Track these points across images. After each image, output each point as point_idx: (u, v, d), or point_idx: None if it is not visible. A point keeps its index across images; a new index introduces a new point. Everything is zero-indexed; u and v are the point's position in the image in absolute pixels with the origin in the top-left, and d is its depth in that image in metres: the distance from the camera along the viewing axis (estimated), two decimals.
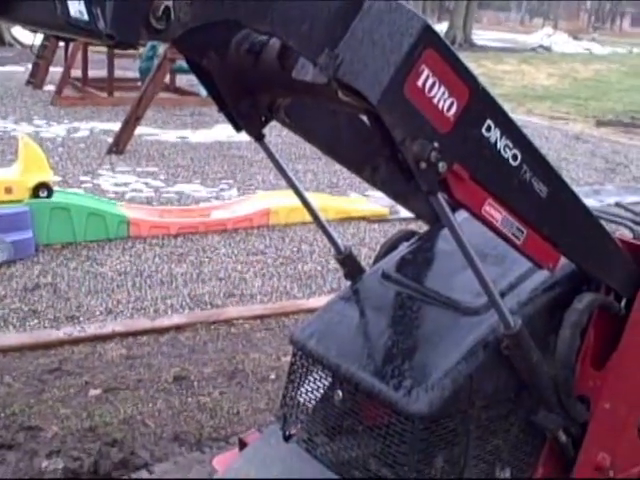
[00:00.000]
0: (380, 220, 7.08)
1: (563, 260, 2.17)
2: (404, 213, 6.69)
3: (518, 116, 14.15)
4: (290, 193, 2.50)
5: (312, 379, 2.35)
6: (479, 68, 22.13)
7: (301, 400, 2.38)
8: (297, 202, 2.51)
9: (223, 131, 10.78)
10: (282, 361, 4.25)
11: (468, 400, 2.11)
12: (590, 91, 19.35)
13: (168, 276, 5.45)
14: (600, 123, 14.70)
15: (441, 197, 1.79)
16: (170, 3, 1.32)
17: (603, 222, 2.29)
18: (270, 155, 2.34)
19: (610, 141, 12.67)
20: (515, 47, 32.07)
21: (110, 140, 9.48)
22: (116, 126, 9.91)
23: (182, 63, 12.04)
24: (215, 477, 2.37)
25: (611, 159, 11.11)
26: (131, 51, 13.87)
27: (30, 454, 3.21)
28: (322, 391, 2.32)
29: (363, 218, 7.08)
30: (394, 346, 2.21)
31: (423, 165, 1.68)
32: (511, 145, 1.83)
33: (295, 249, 6.23)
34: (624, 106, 17.12)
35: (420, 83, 1.63)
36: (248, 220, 6.69)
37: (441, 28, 35.68)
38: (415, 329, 2.27)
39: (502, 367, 2.14)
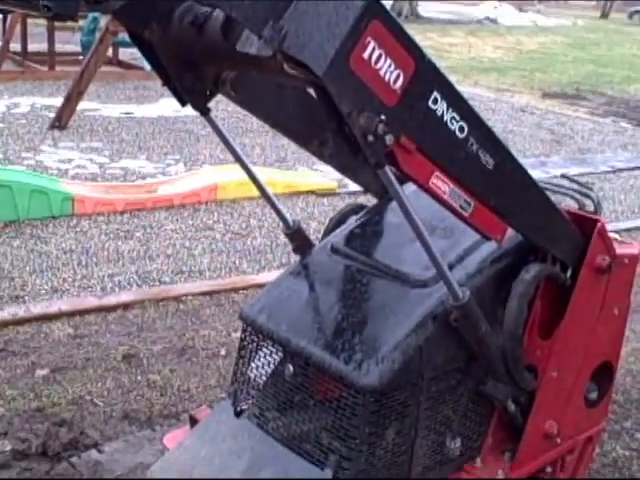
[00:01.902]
0: (329, 194, 7.06)
1: (510, 232, 2.19)
2: (353, 187, 6.69)
3: (465, 88, 14.22)
4: (238, 168, 2.48)
5: (262, 354, 2.35)
6: (426, 41, 22.12)
7: (252, 376, 2.37)
8: (245, 177, 2.49)
9: (168, 105, 10.62)
10: (232, 337, 4.23)
11: (418, 372, 2.13)
12: (535, 63, 19.51)
13: (115, 253, 5.37)
14: (546, 95, 14.84)
15: (389, 170, 1.79)
16: None
17: (549, 194, 2.32)
18: (216, 129, 2.31)
19: (555, 113, 12.80)
20: (462, 19, 32.09)
21: (52, 115, 9.26)
22: (58, 101, 9.68)
23: (125, 36, 11.83)
24: (166, 455, 2.35)
25: (557, 131, 11.23)
26: (72, 24, 13.62)
27: None
28: (273, 366, 2.31)
29: (311, 192, 7.06)
30: (344, 320, 2.21)
31: (370, 138, 1.67)
32: (458, 117, 1.83)
33: (244, 224, 6.18)
34: (569, 78, 17.31)
35: (366, 55, 1.62)
36: (195, 195, 6.61)
37: (386, 2, 35.61)
38: (364, 302, 2.27)
39: (451, 338, 2.16)
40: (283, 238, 5.85)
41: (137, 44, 2.00)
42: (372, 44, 1.62)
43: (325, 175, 7.36)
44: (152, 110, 10.42)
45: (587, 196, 2.59)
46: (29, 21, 13.03)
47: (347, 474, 2.08)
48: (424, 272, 2.22)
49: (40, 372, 3.74)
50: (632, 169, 9.09)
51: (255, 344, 2.37)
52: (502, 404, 2.31)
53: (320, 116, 2.14)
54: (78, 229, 5.77)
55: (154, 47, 1.95)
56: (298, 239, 2.54)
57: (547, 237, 2.26)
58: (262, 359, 2.35)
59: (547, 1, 45.62)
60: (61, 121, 9.03)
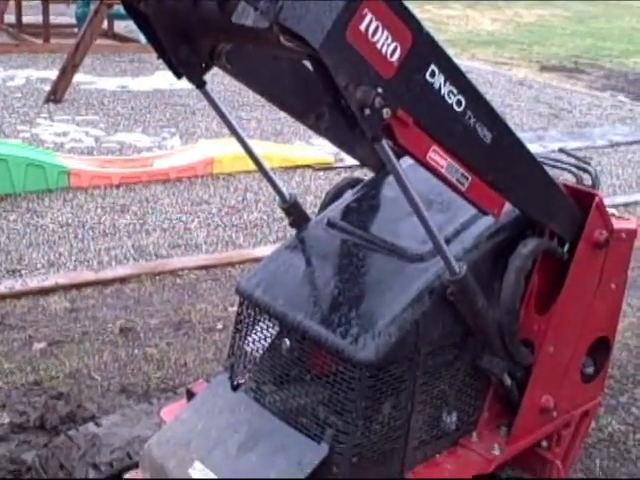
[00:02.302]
0: (325, 168, 7.04)
1: (508, 206, 2.18)
2: (349, 161, 6.65)
3: (462, 61, 14.14)
4: (234, 141, 2.46)
5: (259, 328, 2.34)
6: (423, 13, 21.93)
7: (248, 349, 2.37)
8: (241, 150, 2.47)
9: (164, 78, 10.55)
10: (229, 311, 4.24)
11: (414, 346, 2.12)
12: (534, 36, 19.39)
13: (111, 227, 5.36)
14: (544, 68, 14.77)
15: (386, 144, 1.77)
16: None
17: (547, 168, 2.31)
18: (212, 102, 2.29)
19: (553, 87, 12.73)
20: None
21: (47, 88, 9.21)
22: (53, 74, 9.61)
23: (120, 8, 11.73)
24: (163, 428, 2.35)
25: (554, 104, 11.18)
26: None
27: None
28: (269, 340, 2.31)
29: (308, 166, 7.03)
30: (340, 294, 2.20)
31: (367, 111, 1.65)
32: (455, 91, 1.81)
33: (240, 198, 6.17)
34: (567, 51, 17.22)
35: (363, 27, 1.60)
36: (191, 169, 6.59)
37: None
38: (361, 277, 2.26)
39: (447, 313, 2.16)
40: (279, 212, 5.83)
41: (132, 16, 1.98)
42: (369, 16, 1.60)
43: (322, 149, 7.32)
44: (147, 83, 10.36)
45: (585, 170, 2.57)
46: None
47: (343, 448, 2.08)
48: (421, 246, 2.21)
49: (37, 345, 3.75)
50: (630, 143, 9.06)
51: (252, 318, 2.37)
52: (498, 378, 2.31)
53: (316, 89, 2.13)
54: (74, 203, 5.76)
55: (149, 19, 1.93)
56: (294, 213, 2.52)
57: (545, 211, 2.25)
58: (259, 333, 2.35)
59: None
60: (56, 94, 8.98)
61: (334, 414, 2.12)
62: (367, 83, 1.64)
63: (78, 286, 4.45)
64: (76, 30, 13.26)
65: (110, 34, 13.51)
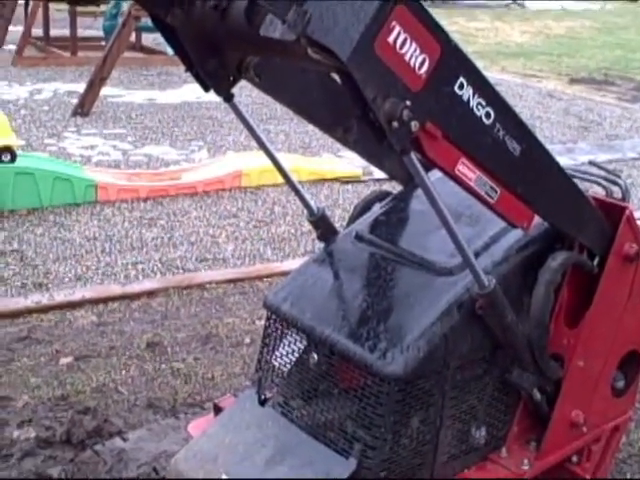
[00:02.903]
0: (353, 181, 7.03)
1: (537, 219, 2.16)
2: (378, 174, 6.65)
3: (491, 74, 14.10)
4: (262, 154, 2.46)
5: (287, 342, 2.33)
6: (452, 25, 21.95)
7: (276, 364, 2.36)
8: (269, 163, 2.48)
9: (192, 91, 10.61)
10: (257, 325, 4.23)
11: (443, 361, 2.10)
12: (563, 48, 19.31)
13: (138, 241, 5.38)
14: (573, 80, 14.69)
15: (414, 156, 1.76)
16: None
17: (577, 181, 2.28)
18: (240, 115, 2.29)
19: (583, 98, 12.66)
20: (488, 3, 31.76)
21: (75, 102, 9.29)
22: (81, 87, 9.71)
23: (148, 21, 11.82)
24: (190, 443, 2.35)
25: (584, 117, 11.11)
26: (94, 9, 13.62)
27: (1, 424, 3.16)
28: (297, 354, 2.30)
29: (336, 179, 7.02)
30: (368, 308, 2.19)
31: (395, 124, 1.64)
32: (484, 103, 1.80)
33: (268, 211, 6.17)
34: (597, 63, 17.12)
35: (391, 40, 1.59)
36: (219, 182, 6.61)
37: None
38: (389, 290, 2.25)
39: (477, 327, 2.13)
40: (307, 226, 5.82)
41: (160, 29, 1.99)
42: (397, 28, 1.59)
43: (350, 162, 7.31)
44: (175, 96, 10.42)
45: (615, 183, 2.54)
46: (51, 6, 13.04)
47: (371, 463, 2.06)
48: (450, 260, 2.20)
49: (64, 360, 3.76)
50: None
51: (279, 332, 2.36)
52: (528, 393, 2.28)
53: (344, 102, 2.12)
54: (101, 216, 5.79)
55: (177, 32, 1.94)
56: (322, 226, 2.51)
57: (574, 224, 2.22)
58: (286, 347, 2.33)
59: None
60: (84, 107, 9.05)
61: (362, 429, 2.10)
62: (395, 95, 1.63)
63: (105, 300, 4.46)
64: (103, 43, 13.37)
65: (138, 47, 13.62)
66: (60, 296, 4.44)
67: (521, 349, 2.19)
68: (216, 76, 2.07)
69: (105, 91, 9.50)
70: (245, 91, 10.13)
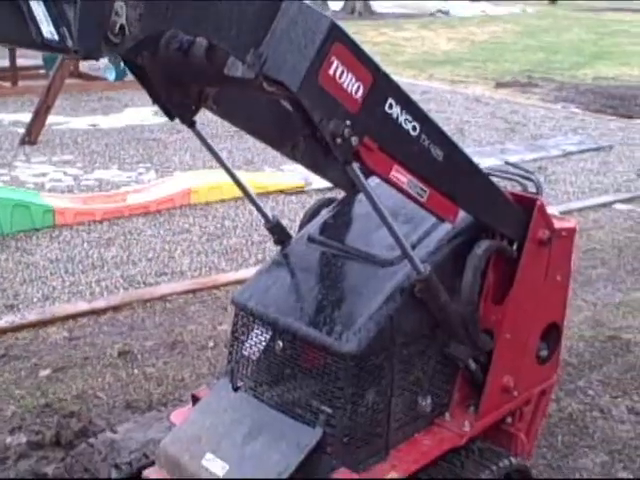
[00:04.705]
0: (297, 192, 7.39)
1: (463, 214, 2.54)
2: (319, 184, 7.03)
3: (420, 82, 14.64)
4: (208, 172, 2.80)
5: (254, 334, 2.66)
6: (380, 36, 22.52)
7: (246, 354, 2.69)
8: (216, 180, 2.81)
9: (134, 115, 10.87)
10: (218, 330, 4.56)
11: (390, 338, 2.46)
12: (488, 53, 19.95)
13: (99, 260, 5.65)
14: (499, 84, 15.27)
15: (355, 166, 2.13)
16: (124, 21, 1.60)
17: (497, 179, 2.67)
18: (201, 138, 2.63)
19: (509, 102, 13.22)
20: (414, 13, 32.47)
21: (21, 131, 9.45)
22: (24, 116, 9.88)
23: None
24: (174, 429, 2.66)
25: (510, 119, 11.64)
26: None
27: None
28: (264, 344, 2.63)
29: (280, 191, 7.37)
30: (324, 298, 2.54)
31: (339, 140, 2.01)
32: (410, 118, 2.17)
33: (219, 225, 6.49)
34: (520, 66, 17.77)
35: (331, 72, 1.96)
36: (170, 201, 6.90)
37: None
38: (341, 282, 2.61)
39: (417, 308, 2.49)
40: (257, 237, 6.22)
41: (129, 67, 2.31)
42: (336, 62, 1.96)
43: (292, 175, 7.70)
44: (118, 120, 10.63)
45: (529, 179, 2.95)
46: None
47: (335, 431, 2.41)
48: (390, 253, 2.55)
49: (43, 372, 4.03)
50: (582, 152, 9.53)
51: (247, 326, 2.69)
52: (464, 363, 2.66)
53: (291, 123, 2.51)
54: (61, 239, 6.04)
55: (145, 70, 2.27)
56: (278, 232, 2.86)
57: (493, 216, 2.61)
58: (254, 338, 2.67)
59: None
60: (31, 136, 9.23)
61: (325, 402, 2.44)
62: (337, 117, 1.99)
63: (74, 316, 4.73)
64: (42, 71, 13.56)
65: (76, 73, 13.77)
66: (32, 315, 4.70)
67: (456, 325, 2.56)
68: (180, 106, 2.41)
69: (49, 119, 9.68)
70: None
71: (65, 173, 8.02)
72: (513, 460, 2.71)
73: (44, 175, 7.89)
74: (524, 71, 16.90)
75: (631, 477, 3.28)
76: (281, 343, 2.56)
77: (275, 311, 2.58)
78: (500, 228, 2.65)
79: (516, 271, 2.70)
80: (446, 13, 33.32)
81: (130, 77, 13.16)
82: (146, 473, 2.61)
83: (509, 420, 2.89)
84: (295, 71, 1.90)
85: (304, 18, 1.92)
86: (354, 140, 2.04)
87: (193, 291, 5.15)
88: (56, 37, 1.55)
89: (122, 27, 1.60)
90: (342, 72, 1.98)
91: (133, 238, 6.13)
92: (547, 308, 2.90)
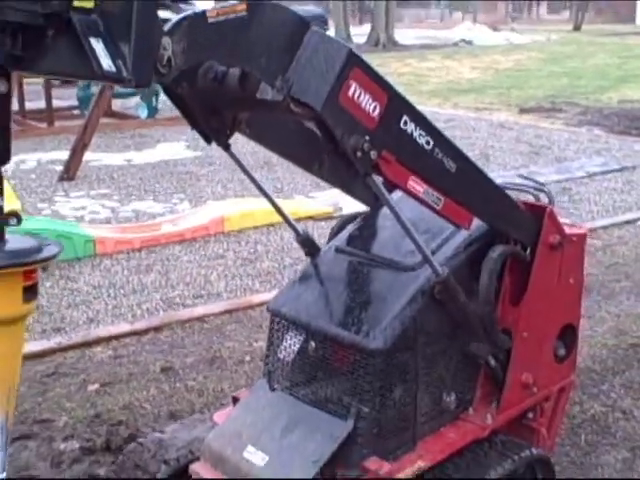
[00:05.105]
0: (326, 218, 7.64)
1: (479, 222, 2.77)
2: (347, 210, 7.27)
3: (445, 110, 14.91)
4: (240, 201, 3.04)
5: (288, 337, 2.89)
6: (404, 67, 22.90)
7: (281, 356, 2.91)
8: (248, 208, 3.06)
9: (166, 150, 11.24)
10: (254, 346, 4.79)
11: (413, 337, 2.67)
12: (512, 80, 20.21)
13: (139, 285, 5.92)
14: (523, 110, 15.50)
15: (376, 178, 2.36)
16: (170, 54, 1.86)
17: (512, 192, 2.90)
18: (237, 161, 2.88)
19: (533, 126, 13.43)
20: (438, 43, 32.94)
21: (58, 168, 9.83)
22: (61, 154, 10.27)
23: (118, 88, 12.48)
24: (217, 427, 2.88)
25: (534, 143, 11.84)
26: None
27: (48, 440, 3.68)
28: (297, 346, 2.86)
29: (310, 217, 7.62)
30: (352, 302, 2.77)
31: (359, 154, 2.25)
32: (424, 133, 2.42)
33: (252, 250, 6.76)
34: (544, 92, 17.99)
35: (350, 94, 2.21)
36: (204, 229, 7.18)
37: (364, 30, 36.53)
38: (366, 287, 2.84)
39: (437, 309, 2.71)
40: (289, 260, 6.47)
41: (170, 97, 2.57)
42: (354, 85, 2.21)
43: (321, 202, 7.96)
44: (151, 156, 10.99)
45: (542, 191, 3.16)
46: (25, 80, 13.66)
47: (365, 422, 2.61)
48: (411, 259, 2.77)
49: (91, 387, 4.29)
50: (605, 172, 9.70)
51: (281, 331, 2.92)
52: (485, 361, 2.86)
53: (315, 143, 2.77)
54: (102, 267, 6.33)
55: (184, 99, 2.53)
56: (308, 244, 3.10)
57: (505, 223, 2.82)
58: (288, 341, 2.89)
59: (520, 19, 46.52)
60: (69, 172, 9.61)
61: (355, 397, 2.66)
62: (357, 133, 2.24)
63: (117, 337, 4.99)
64: (76, 112, 14.05)
65: (109, 113, 14.23)
66: (77, 337, 4.96)
67: (475, 325, 2.77)
68: (216, 131, 2.67)
69: (86, 156, 10.06)
70: (218, 151, 10.58)
71: (103, 206, 8.35)
72: (534, 451, 2.90)
73: (83, 208, 8.22)
74: (548, 97, 17.10)
75: None
76: (313, 344, 2.79)
77: (307, 315, 2.81)
78: (513, 234, 2.86)
79: (530, 274, 2.91)
80: (469, 43, 33.70)
81: (161, 114, 13.68)
82: (192, 467, 2.83)
83: (530, 415, 3.08)
84: (318, 93, 2.16)
85: (325, 47, 2.18)
86: (373, 154, 2.28)
87: (229, 312, 5.39)
88: (113, 69, 1.80)
89: (169, 59, 1.87)
90: (360, 93, 2.23)
91: (170, 264, 6.41)
92: (562, 309, 3.10)
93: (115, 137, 12.50)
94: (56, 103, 14.18)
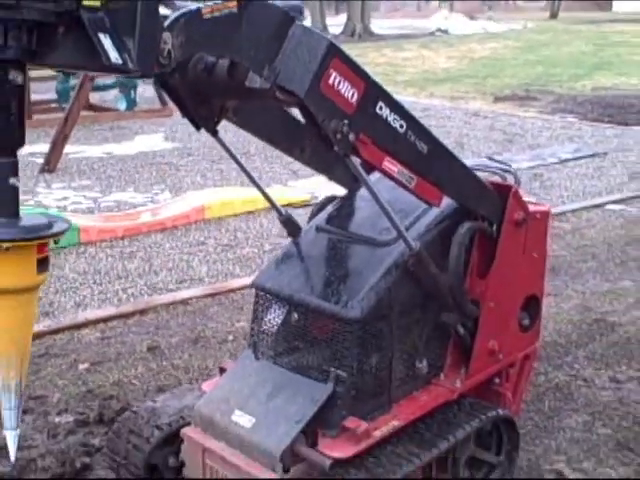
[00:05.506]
0: (304, 205, 7.83)
1: (448, 200, 2.99)
2: (323, 197, 7.47)
3: (421, 100, 15.15)
4: (220, 190, 3.23)
5: (272, 310, 3.10)
6: (381, 57, 23.11)
7: (265, 328, 3.12)
8: (228, 197, 3.25)
9: (145, 142, 11.38)
10: (236, 326, 4.99)
11: (389, 307, 2.89)
12: (487, 69, 20.48)
13: (123, 271, 6.10)
14: (497, 99, 15.78)
15: (354, 159, 2.57)
16: (170, 47, 2.06)
17: (482, 172, 3.12)
18: (223, 146, 3.06)
19: (507, 115, 13.71)
20: (414, 33, 33.13)
21: (38, 161, 9.92)
22: (41, 147, 10.36)
23: (97, 81, 12.60)
24: (206, 394, 3.08)
25: (508, 131, 12.11)
26: (45, 73, 14.32)
27: (43, 414, 3.86)
28: (281, 317, 3.07)
29: (289, 205, 7.79)
30: (331, 275, 2.98)
31: (339, 136, 2.46)
32: (398, 118, 2.62)
33: (232, 237, 6.95)
34: (519, 80, 18.28)
35: (331, 81, 2.41)
36: (185, 217, 7.36)
37: (340, 21, 36.68)
38: (345, 262, 3.05)
39: (411, 281, 2.92)
40: (268, 246, 6.67)
41: (162, 87, 2.76)
42: (334, 74, 2.41)
43: (298, 190, 8.17)
44: (130, 148, 11.12)
45: (508, 172, 3.39)
46: None
47: (344, 386, 2.82)
48: (387, 236, 2.99)
49: (82, 366, 4.47)
50: (577, 159, 9.98)
51: (266, 304, 3.12)
52: (454, 329, 3.08)
53: (298, 130, 2.99)
54: (87, 254, 6.50)
55: (176, 89, 2.72)
56: (290, 224, 3.30)
57: (473, 201, 3.04)
58: (272, 314, 3.10)
59: (497, 5, 46.82)
60: (50, 164, 9.72)
61: (335, 363, 2.86)
62: (337, 117, 2.44)
63: (104, 320, 5.16)
64: (53, 105, 14.12)
65: (87, 105, 14.32)
66: (66, 320, 5.13)
67: (445, 295, 2.99)
68: (205, 118, 2.86)
69: (65, 149, 10.17)
70: (195, 135, 10.74)
71: (85, 196, 8.49)
72: (500, 411, 3.13)
73: (65, 199, 8.36)
74: (523, 85, 17.39)
75: (609, 432, 3.70)
76: (296, 315, 3.00)
77: (289, 289, 3.01)
78: (480, 211, 3.08)
79: (496, 249, 3.13)
80: (445, 32, 33.93)
81: (139, 107, 13.81)
82: (184, 431, 3.03)
83: (497, 381, 3.31)
84: (302, 81, 2.36)
85: (307, 39, 2.39)
86: (351, 136, 2.49)
87: (212, 295, 5.59)
88: (120, 61, 2.00)
89: (169, 52, 2.07)
90: (339, 81, 2.44)
91: (153, 251, 6.59)
92: (526, 281, 3.33)
93: (93, 129, 12.60)
94: (34, 97, 14.24)
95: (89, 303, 5.48)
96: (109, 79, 13.76)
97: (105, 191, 8.72)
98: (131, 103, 13.95)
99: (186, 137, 11.45)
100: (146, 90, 14.13)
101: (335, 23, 35.37)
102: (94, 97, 14.42)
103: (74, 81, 12.47)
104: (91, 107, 14.38)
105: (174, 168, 9.77)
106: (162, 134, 11.74)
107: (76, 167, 9.96)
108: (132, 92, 13.89)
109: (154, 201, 8.27)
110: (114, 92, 14.49)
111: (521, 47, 25.63)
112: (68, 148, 10.43)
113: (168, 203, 7.93)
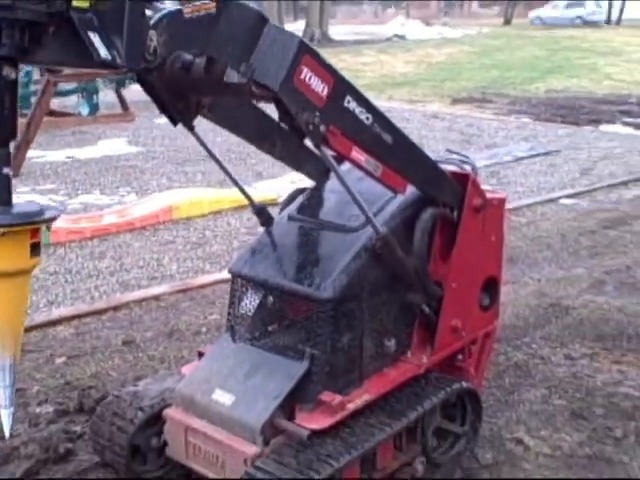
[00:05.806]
0: (270, 204, 7.96)
1: (413, 189, 3.19)
2: None
3: (381, 102, 15.31)
4: (187, 191, 3.40)
5: (248, 295, 3.27)
6: (340, 63, 23.28)
7: (242, 312, 3.29)
8: (196, 197, 3.41)
9: (108, 146, 11.46)
10: (209, 319, 5.15)
11: (359, 287, 3.08)
12: (444, 73, 20.86)
13: (95, 270, 6.21)
14: (455, 101, 16.13)
15: (325, 150, 2.76)
16: (156, 44, 2.24)
17: (442, 163, 3.33)
18: (200, 141, 3.22)
19: (464, 116, 14.04)
20: (371, 39, 33.50)
21: None
22: None
23: (59, 87, 12.64)
24: (186, 377, 3.24)
25: (466, 131, 12.43)
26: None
27: (23, 405, 3.97)
28: (257, 301, 3.25)
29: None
30: (304, 260, 3.17)
31: (310, 127, 2.65)
32: (364, 111, 2.83)
33: (200, 235, 7.10)
34: (475, 83, 18.68)
35: (302, 77, 2.61)
36: (154, 217, 7.49)
37: (298, 27, 36.92)
38: (317, 247, 3.24)
39: (379, 263, 3.12)
40: (236, 243, 6.83)
41: (141, 85, 2.92)
42: (305, 69, 2.60)
43: (261, 191, 8.34)
44: (93, 152, 11.18)
45: (466, 162, 3.60)
46: None
47: (318, 362, 3.00)
48: (355, 222, 3.18)
49: (58, 360, 4.59)
50: (531, 157, 10.31)
51: (242, 290, 3.30)
52: (420, 308, 3.29)
53: (268, 125, 3.18)
54: (57, 255, 6.59)
55: (154, 86, 2.88)
56: (263, 215, 3.48)
57: (435, 188, 3.25)
58: (248, 298, 3.28)
59: (452, 14, 47.39)
60: (13, 170, 9.75)
61: (309, 342, 3.05)
62: (309, 110, 2.63)
63: (78, 316, 5.27)
64: None
65: (47, 111, 14.31)
66: (40, 317, 5.24)
67: (411, 277, 3.19)
68: (182, 113, 3.02)
69: (28, 153, 10.21)
70: (158, 140, 10.99)
71: (51, 200, 8.54)
72: (464, 384, 3.35)
73: None
74: (479, 88, 17.77)
75: (564, 403, 3.95)
76: (271, 298, 3.18)
77: (265, 274, 3.19)
78: (441, 198, 3.29)
79: (457, 233, 3.35)
80: (402, 37, 34.34)
81: (101, 112, 13.87)
82: (165, 412, 3.19)
83: (460, 357, 3.53)
84: (276, 76, 2.55)
85: (281, 37, 2.58)
86: (322, 128, 2.68)
87: (183, 291, 5.73)
88: (109, 57, 2.17)
89: (155, 49, 2.25)
90: (310, 76, 2.63)
91: (123, 250, 6.71)
92: (485, 264, 3.55)
93: (55, 134, 12.63)
94: None
95: (62, 301, 5.58)
96: (70, 85, 13.81)
97: (71, 194, 8.80)
98: (94, 108, 14.01)
99: (150, 141, 11.57)
100: (107, 95, 14.20)
101: (293, 29, 35.39)
102: (54, 102, 14.38)
103: (35, 86, 12.51)
104: (51, 112, 14.37)
105: (139, 171, 9.88)
106: (125, 138, 11.83)
107: (40, 171, 10.01)
108: (94, 97, 13.93)
109: (121, 203, 8.37)
110: (74, 98, 14.52)
111: (477, 52, 26.10)
112: (30, 153, 10.46)
113: (136, 204, 8.04)
